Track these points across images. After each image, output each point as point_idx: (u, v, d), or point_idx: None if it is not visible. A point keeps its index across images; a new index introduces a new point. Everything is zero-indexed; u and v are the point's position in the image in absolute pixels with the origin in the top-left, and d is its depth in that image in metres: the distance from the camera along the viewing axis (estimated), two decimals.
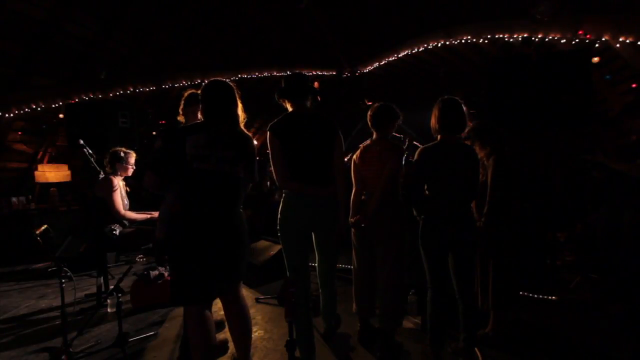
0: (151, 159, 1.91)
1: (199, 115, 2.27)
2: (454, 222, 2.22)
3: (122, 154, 3.54)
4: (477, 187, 2.33)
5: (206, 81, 1.99)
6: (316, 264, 2.44)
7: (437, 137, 2.31)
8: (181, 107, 2.55)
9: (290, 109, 2.24)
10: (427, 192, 2.30)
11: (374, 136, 2.59)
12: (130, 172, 3.61)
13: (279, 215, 2.18)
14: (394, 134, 2.74)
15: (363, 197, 2.56)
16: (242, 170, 2.00)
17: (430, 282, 2.31)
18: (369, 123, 2.59)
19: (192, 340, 1.96)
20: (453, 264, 2.29)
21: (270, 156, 2.17)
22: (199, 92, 2.00)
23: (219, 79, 2.01)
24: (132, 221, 3.49)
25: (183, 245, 1.87)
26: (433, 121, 2.31)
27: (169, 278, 3.49)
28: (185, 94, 2.56)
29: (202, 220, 1.87)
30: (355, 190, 2.59)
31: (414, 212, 2.40)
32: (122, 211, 3.43)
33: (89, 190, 5.36)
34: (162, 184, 1.92)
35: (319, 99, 2.29)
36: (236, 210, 2.00)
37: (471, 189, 2.28)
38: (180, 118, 2.54)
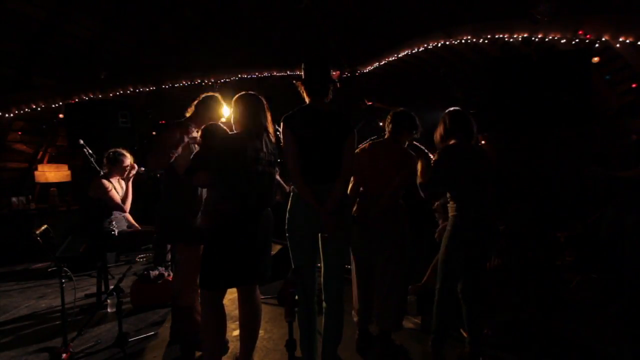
0: (204, 160, 2.10)
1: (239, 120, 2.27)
2: (479, 224, 2.20)
3: (116, 156, 3.55)
4: (490, 188, 2.32)
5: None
6: (321, 277, 2.18)
7: (448, 142, 2.31)
8: (195, 109, 2.41)
9: (307, 100, 2.14)
10: (449, 194, 2.27)
11: (387, 136, 2.52)
12: (124, 174, 3.60)
13: (287, 215, 2.13)
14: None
15: (361, 189, 2.51)
16: (275, 171, 2.26)
17: (443, 282, 2.26)
18: (389, 122, 2.51)
19: (204, 331, 2.09)
20: (462, 265, 2.25)
21: (283, 150, 2.12)
22: (235, 100, 2.15)
23: (251, 92, 2.18)
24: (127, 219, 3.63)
25: (229, 238, 2.02)
26: (441, 130, 2.34)
27: (169, 278, 3.51)
28: (202, 97, 2.42)
29: (250, 215, 2.07)
30: (355, 180, 2.49)
31: (435, 214, 2.39)
32: (122, 205, 3.54)
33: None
34: (213, 182, 2.11)
35: (338, 85, 2.19)
36: (269, 208, 2.20)
37: (488, 189, 2.28)
38: (190, 111, 2.42)
